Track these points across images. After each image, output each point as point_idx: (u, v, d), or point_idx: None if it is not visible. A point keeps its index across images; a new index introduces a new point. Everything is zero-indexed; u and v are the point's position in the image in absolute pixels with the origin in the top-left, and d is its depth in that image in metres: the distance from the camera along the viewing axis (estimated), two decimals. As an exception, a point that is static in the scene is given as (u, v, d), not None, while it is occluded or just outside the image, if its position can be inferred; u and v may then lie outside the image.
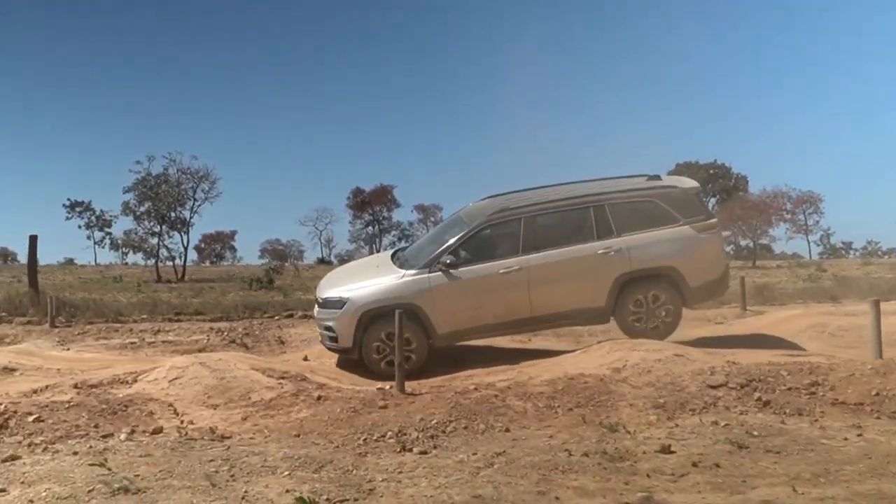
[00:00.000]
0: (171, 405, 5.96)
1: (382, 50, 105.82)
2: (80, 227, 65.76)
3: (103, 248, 62.97)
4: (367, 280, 7.99)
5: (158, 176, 31.18)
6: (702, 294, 7.92)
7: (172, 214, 31.75)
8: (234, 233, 72.39)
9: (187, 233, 36.07)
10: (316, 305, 8.38)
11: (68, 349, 10.01)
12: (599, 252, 7.66)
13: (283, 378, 6.67)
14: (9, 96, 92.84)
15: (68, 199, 65.74)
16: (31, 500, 3.74)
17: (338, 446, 4.78)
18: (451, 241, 7.84)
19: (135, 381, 6.71)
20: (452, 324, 7.64)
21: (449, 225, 8.76)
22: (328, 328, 7.91)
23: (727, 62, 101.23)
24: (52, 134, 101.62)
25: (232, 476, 4.09)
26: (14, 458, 4.46)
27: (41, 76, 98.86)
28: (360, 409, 5.50)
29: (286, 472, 4.17)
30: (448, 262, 7.64)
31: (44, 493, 3.83)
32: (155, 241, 34.75)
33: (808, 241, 59.56)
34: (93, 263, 59.83)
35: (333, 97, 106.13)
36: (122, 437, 5.00)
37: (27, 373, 8.11)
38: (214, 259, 72.16)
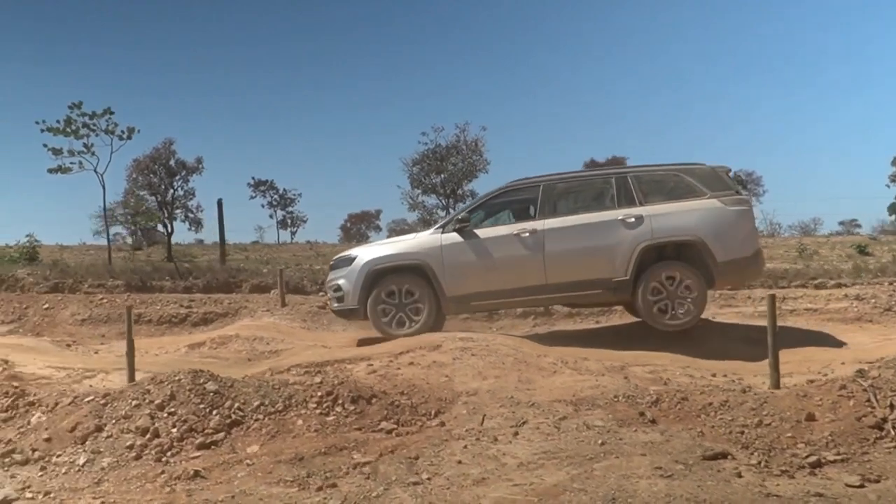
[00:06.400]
0: None
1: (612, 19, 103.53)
2: (262, 206, 67.26)
3: (287, 229, 64.11)
4: (382, 243, 8.14)
5: (449, 147, 30.57)
6: (731, 272, 7.37)
7: (460, 189, 31.35)
8: (379, 212, 68.04)
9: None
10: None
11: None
12: (619, 218, 7.32)
13: None
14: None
15: (252, 178, 64.72)
16: None
17: None
18: (469, 204, 8.03)
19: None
20: (463, 286, 7.41)
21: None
22: (336, 288, 7.79)
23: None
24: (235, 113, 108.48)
25: None
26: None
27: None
28: None
29: None
30: (461, 218, 7.56)
31: None
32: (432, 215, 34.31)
33: None
34: (276, 242, 59.02)
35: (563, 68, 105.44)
36: None
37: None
38: (360, 239, 65.08)
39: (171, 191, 28.89)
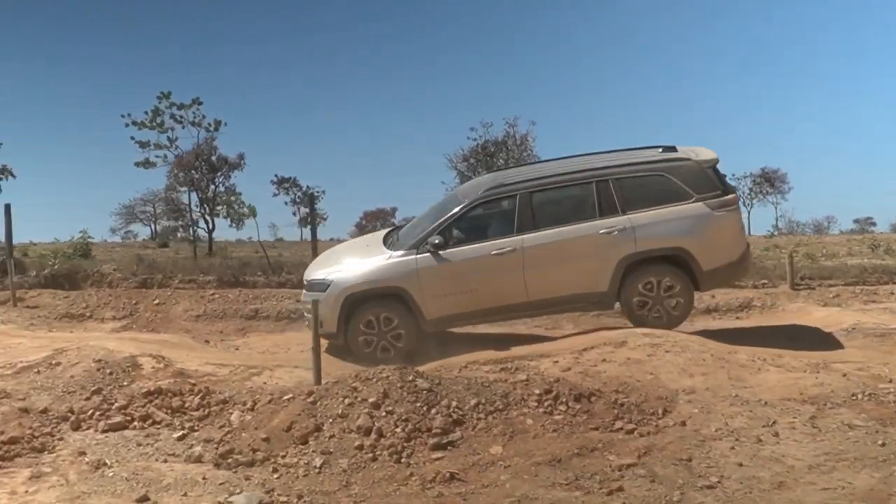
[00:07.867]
0: None
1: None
2: (286, 203, 67.17)
3: (307, 226, 63.98)
4: (353, 261, 7.45)
5: (497, 143, 29.92)
6: (717, 278, 7.15)
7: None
8: (394, 209, 69.69)
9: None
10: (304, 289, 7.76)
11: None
12: (601, 232, 6.93)
13: None
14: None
15: (276, 175, 67.99)
16: None
17: None
18: (441, 220, 7.21)
19: None
20: (442, 308, 7.00)
21: (444, 203, 7.92)
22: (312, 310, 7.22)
23: None
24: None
25: None
26: None
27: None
28: None
29: None
30: (436, 242, 6.99)
31: None
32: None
33: None
34: (300, 239, 60.74)
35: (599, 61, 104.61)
36: None
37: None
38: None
39: (213, 187, 28.67)
